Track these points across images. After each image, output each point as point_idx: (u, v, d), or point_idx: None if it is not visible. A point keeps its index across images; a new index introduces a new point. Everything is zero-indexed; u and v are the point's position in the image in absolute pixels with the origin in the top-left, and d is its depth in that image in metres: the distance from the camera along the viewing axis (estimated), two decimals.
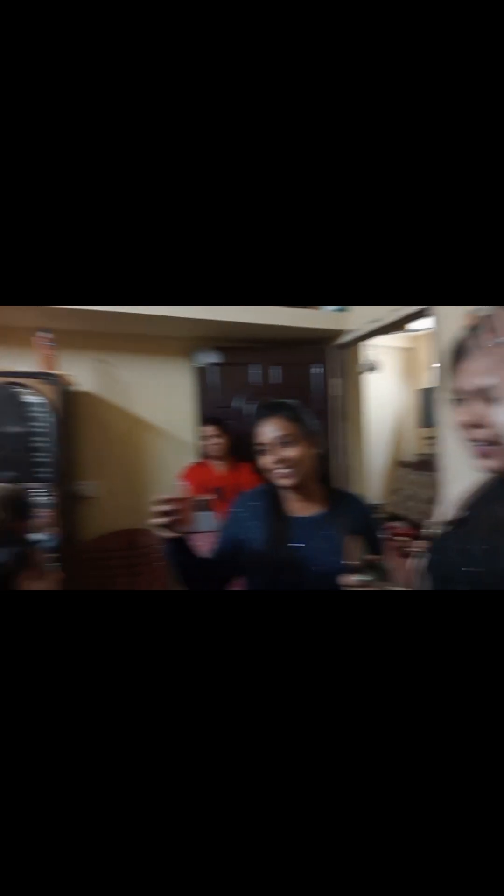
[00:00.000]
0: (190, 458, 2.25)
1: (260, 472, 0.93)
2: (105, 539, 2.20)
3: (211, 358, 2.32)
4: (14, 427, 1.86)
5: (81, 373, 2.17)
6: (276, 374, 2.37)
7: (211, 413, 2.21)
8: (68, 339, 2.02)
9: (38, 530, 1.95)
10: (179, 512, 0.80)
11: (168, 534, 0.81)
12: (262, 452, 0.90)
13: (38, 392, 1.86)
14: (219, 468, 2.06)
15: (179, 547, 0.85)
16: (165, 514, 0.79)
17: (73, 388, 2.09)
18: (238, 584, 0.96)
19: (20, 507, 1.38)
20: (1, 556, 0.92)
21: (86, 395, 2.21)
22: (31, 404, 1.89)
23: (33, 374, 1.84)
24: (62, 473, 1.86)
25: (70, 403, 2.01)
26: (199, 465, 2.12)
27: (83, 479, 2.20)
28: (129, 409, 2.31)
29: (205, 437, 2.05)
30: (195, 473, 2.07)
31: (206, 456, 2.10)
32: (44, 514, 2.00)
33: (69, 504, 1.96)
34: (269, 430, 0.89)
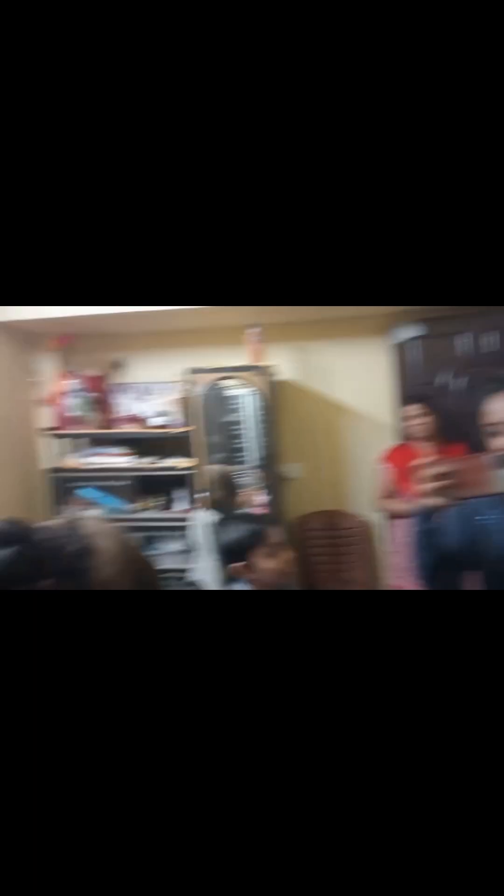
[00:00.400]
0: (391, 440, 2.18)
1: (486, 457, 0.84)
2: (307, 519, 2.33)
3: (411, 332, 2.18)
4: (225, 417, 2.14)
5: (285, 363, 2.32)
6: (490, 342, 2.07)
7: (414, 391, 2.08)
8: (273, 333, 2.19)
9: (246, 507, 2.22)
10: (459, 473, 0.70)
11: (439, 501, 0.73)
12: (495, 433, 0.81)
13: (248, 383, 2.09)
14: (425, 449, 1.93)
15: (431, 529, 0.78)
16: (440, 476, 0.70)
17: (277, 377, 2.26)
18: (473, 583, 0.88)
19: (232, 486, 1.58)
20: (238, 532, 1.05)
21: (288, 383, 2.37)
22: (241, 396, 2.14)
23: (245, 367, 2.07)
24: (269, 456, 2.05)
25: (276, 392, 2.18)
26: (401, 447, 2.04)
27: (287, 461, 2.37)
28: (328, 395, 2.37)
29: (408, 418, 1.95)
30: (398, 455, 1.99)
31: (409, 437, 2.00)
32: (251, 494, 2.25)
33: (275, 485, 2.15)
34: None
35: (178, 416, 2.20)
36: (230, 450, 2.32)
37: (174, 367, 2.21)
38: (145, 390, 2.39)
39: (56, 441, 2.24)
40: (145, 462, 2.12)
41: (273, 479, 2.13)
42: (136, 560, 1.20)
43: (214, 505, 2.03)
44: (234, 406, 2.26)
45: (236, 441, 2.34)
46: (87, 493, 2.15)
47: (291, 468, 2.38)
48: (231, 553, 1.03)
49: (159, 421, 2.19)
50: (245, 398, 2.18)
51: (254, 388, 2.10)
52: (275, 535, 1.06)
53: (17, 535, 0.82)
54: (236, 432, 2.31)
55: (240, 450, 2.33)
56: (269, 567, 1.02)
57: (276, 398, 2.23)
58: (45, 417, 2.30)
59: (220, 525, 1.07)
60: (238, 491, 2.25)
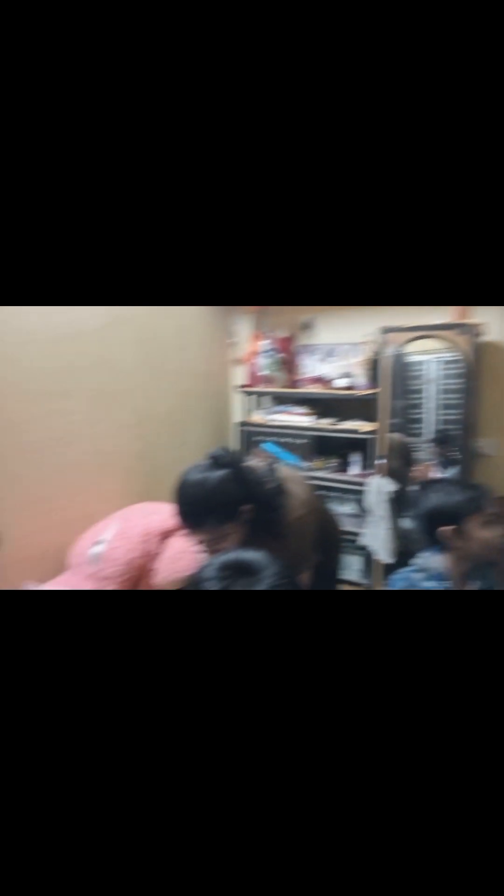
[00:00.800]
0: None
1: None
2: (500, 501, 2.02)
3: None
4: (416, 381, 1.97)
5: (494, 322, 2.00)
6: None
7: None
8: None
9: (423, 480, 2.04)
10: None
11: None
12: None
13: (448, 345, 1.87)
14: None
15: None
16: None
17: (483, 338, 1.96)
18: None
19: (410, 457, 1.45)
20: (456, 497, 0.98)
21: (496, 345, 2.03)
22: (437, 359, 1.93)
23: (445, 326, 1.85)
24: (464, 428, 1.82)
25: (480, 355, 1.91)
26: None
27: (484, 436, 2.07)
28: None
29: None
30: None
31: None
32: (429, 468, 2.05)
33: (466, 461, 1.91)
34: None
35: (362, 379, 2.13)
36: (417, 417, 2.15)
37: (365, 327, 2.13)
38: (329, 352, 2.38)
39: (247, 397, 2.44)
40: (325, 423, 2.13)
41: (464, 453, 1.89)
42: (321, 511, 1.25)
43: (391, 473, 1.93)
44: (429, 370, 2.07)
45: (426, 408, 2.15)
46: (268, 447, 2.29)
47: (488, 444, 2.07)
48: (442, 517, 0.98)
49: (343, 383, 2.16)
50: (442, 361, 1.97)
51: (454, 350, 1.87)
52: (494, 505, 0.98)
53: (230, 461, 0.95)
54: (427, 398, 2.12)
55: (428, 418, 2.14)
56: (483, 536, 0.96)
57: (480, 362, 1.95)
58: (240, 375, 2.51)
59: (437, 488, 1.02)
60: (416, 462, 2.09)
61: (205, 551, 0.92)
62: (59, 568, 1.51)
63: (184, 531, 0.90)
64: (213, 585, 0.56)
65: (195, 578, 0.59)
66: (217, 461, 0.92)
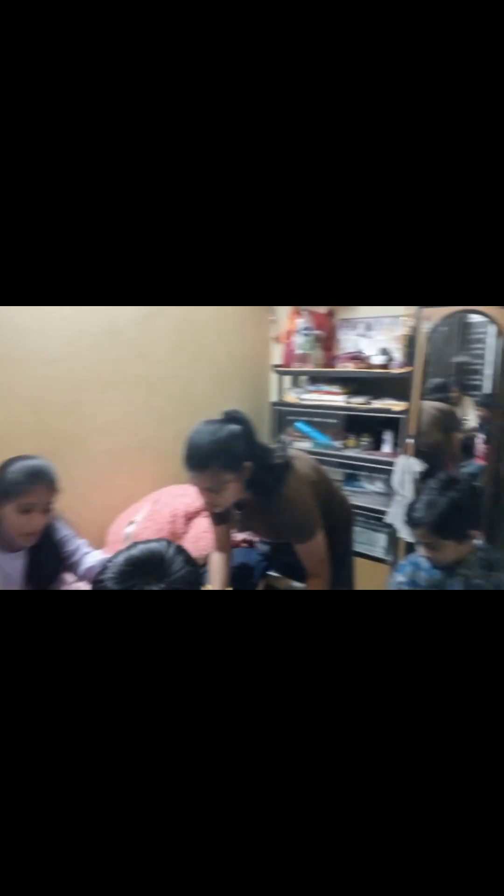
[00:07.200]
0: None
1: None
2: None
3: None
4: (456, 356, 1.87)
5: None
6: None
7: None
8: None
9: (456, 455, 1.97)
10: None
11: None
12: None
13: (491, 319, 1.75)
14: None
15: None
16: None
17: None
18: None
19: (451, 428, 1.40)
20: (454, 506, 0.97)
21: None
22: (479, 334, 1.81)
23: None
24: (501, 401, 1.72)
25: None
26: None
27: None
28: None
29: None
30: None
31: None
32: (460, 441, 1.97)
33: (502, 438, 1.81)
34: None
35: (398, 355, 2.06)
36: (456, 393, 2.06)
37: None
38: (369, 325, 2.31)
39: (283, 377, 2.46)
40: (357, 401, 2.11)
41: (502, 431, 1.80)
42: (329, 489, 1.29)
43: (434, 446, 1.90)
44: (469, 345, 1.96)
45: (465, 385, 2.05)
46: (301, 426, 2.33)
47: None
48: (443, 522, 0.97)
49: (380, 360, 2.10)
50: (484, 337, 1.85)
51: (496, 325, 1.75)
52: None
53: (242, 419, 1.03)
54: (467, 375, 2.02)
55: (468, 394, 2.05)
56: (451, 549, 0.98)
57: None
58: (277, 354, 2.53)
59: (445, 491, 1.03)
60: (453, 436, 2.02)
61: (205, 502, 1.02)
62: (100, 545, 1.71)
63: (189, 475, 0.98)
64: (117, 581, 0.58)
65: (101, 574, 0.60)
66: (230, 417, 1.01)
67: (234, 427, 0.99)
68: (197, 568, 0.64)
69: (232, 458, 0.96)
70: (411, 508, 0.99)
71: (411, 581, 1.06)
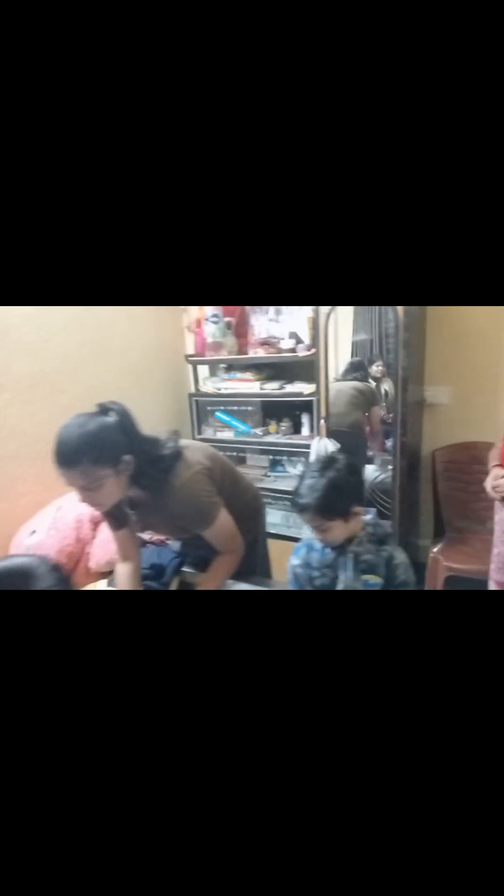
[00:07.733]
0: None
1: None
2: (450, 451, 2.02)
3: None
4: (358, 335, 1.92)
5: None
6: None
7: None
8: None
9: (372, 431, 2.05)
10: None
11: None
12: None
13: None
14: None
15: None
16: None
17: None
18: None
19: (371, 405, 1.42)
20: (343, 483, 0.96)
21: None
22: (377, 309, 1.86)
23: None
24: (406, 378, 1.78)
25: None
26: None
27: (431, 383, 2.04)
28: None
29: None
30: None
31: None
32: (377, 418, 2.04)
33: (411, 411, 1.89)
34: None
35: (306, 338, 2.09)
36: (361, 370, 2.13)
37: None
38: (278, 310, 2.31)
39: (199, 366, 2.42)
40: (271, 387, 2.12)
41: (409, 404, 1.88)
42: (231, 477, 1.26)
43: (339, 433, 1.94)
44: (369, 321, 2.02)
45: (369, 360, 2.12)
46: (220, 416, 2.31)
47: (437, 392, 2.04)
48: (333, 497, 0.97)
49: (289, 344, 2.12)
50: (382, 312, 1.91)
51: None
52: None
53: (118, 412, 0.96)
54: (369, 351, 2.08)
55: (371, 369, 2.11)
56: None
57: (424, 309, 1.89)
58: (190, 344, 2.48)
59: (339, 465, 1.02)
60: (373, 413, 2.09)
61: (86, 502, 0.94)
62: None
63: (60, 474, 0.90)
64: None
65: None
66: (103, 409, 0.95)
67: (106, 419, 0.93)
68: (68, 584, 0.61)
69: (105, 453, 0.90)
70: (295, 494, 0.99)
71: (305, 563, 1.07)
